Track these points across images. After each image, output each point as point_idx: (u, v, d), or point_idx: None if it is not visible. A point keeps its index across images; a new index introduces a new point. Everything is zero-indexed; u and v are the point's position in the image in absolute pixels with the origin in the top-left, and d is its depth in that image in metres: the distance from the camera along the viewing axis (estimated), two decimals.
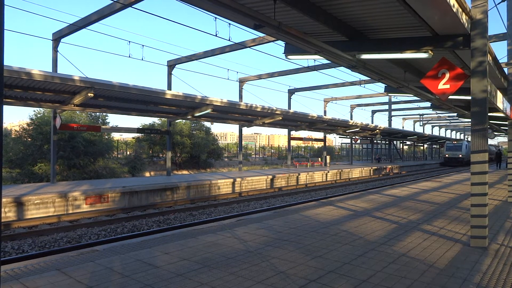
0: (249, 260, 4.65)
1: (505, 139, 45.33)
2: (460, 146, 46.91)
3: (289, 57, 8.16)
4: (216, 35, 9.89)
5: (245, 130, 24.84)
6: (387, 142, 45.39)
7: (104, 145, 23.54)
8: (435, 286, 3.75)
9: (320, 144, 40.88)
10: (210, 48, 18.49)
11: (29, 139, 21.27)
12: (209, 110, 16.49)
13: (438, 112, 32.62)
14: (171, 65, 18.90)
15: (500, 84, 10.89)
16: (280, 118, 20.70)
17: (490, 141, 54.03)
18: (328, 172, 25.41)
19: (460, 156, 45.52)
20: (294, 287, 3.72)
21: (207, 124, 33.10)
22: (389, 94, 23.26)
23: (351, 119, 33.78)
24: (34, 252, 7.73)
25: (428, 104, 27.39)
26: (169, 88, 18.89)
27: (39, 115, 21.53)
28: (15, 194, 11.20)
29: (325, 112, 31.41)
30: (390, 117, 41.57)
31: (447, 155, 46.78)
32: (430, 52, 6.57)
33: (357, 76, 25.13)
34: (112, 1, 10.96)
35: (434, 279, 3.98)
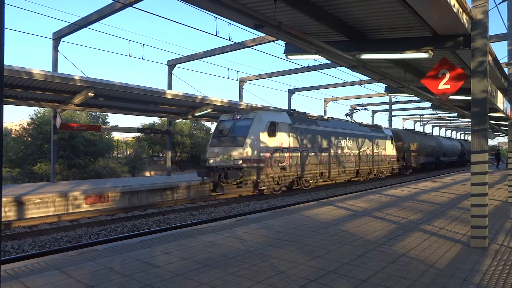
0: (249, 260, 4.65)
1: (505, 139, 45.12)
2: (246, 129, 14.94)
3: (289, 57, 8.16)
4: (216, 35, 9.92)
5: None
6: None
7: (104, 144, 23.59)
8: (435, 287, 3.75)
9: None
10: (210, 48, 18.54)
11: (29, 139, 21.32)
12: (209, 110, 16.50)
13: (438, 112, 32.52)
14: (172, 65, 18.91)
15: (501, 84, 10.88)
16: None
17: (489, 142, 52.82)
18: None
19: (239, 161, 14.68)
20: (294, 287, 3.72)
21: (207, 124, 33.13)
22: (389, 94, 23.26)
23: (351, 119, 33.67)
24: (34, 252, 7.73)
25: (428, 104, 27.33)
26: (170, 87, 18.89)
27: (39, 115, 21.57)
28: (15, 193, 11.20)
29: (325, 112, 31.42)
30: (390, 117, 41.52)
31: (211, 161, 15.76)
32: (430, 52, 6.58)
33: (357, 76, 25.12)
34: (112, 1, 10.96)
35: (434, 279, 3.98)
